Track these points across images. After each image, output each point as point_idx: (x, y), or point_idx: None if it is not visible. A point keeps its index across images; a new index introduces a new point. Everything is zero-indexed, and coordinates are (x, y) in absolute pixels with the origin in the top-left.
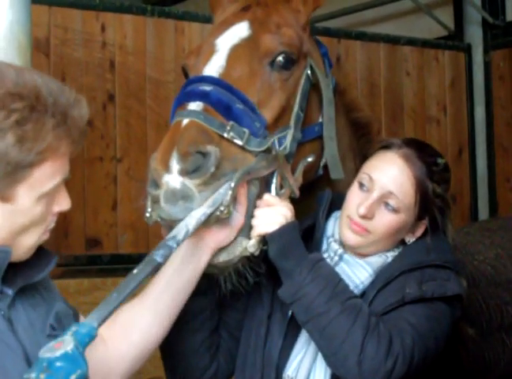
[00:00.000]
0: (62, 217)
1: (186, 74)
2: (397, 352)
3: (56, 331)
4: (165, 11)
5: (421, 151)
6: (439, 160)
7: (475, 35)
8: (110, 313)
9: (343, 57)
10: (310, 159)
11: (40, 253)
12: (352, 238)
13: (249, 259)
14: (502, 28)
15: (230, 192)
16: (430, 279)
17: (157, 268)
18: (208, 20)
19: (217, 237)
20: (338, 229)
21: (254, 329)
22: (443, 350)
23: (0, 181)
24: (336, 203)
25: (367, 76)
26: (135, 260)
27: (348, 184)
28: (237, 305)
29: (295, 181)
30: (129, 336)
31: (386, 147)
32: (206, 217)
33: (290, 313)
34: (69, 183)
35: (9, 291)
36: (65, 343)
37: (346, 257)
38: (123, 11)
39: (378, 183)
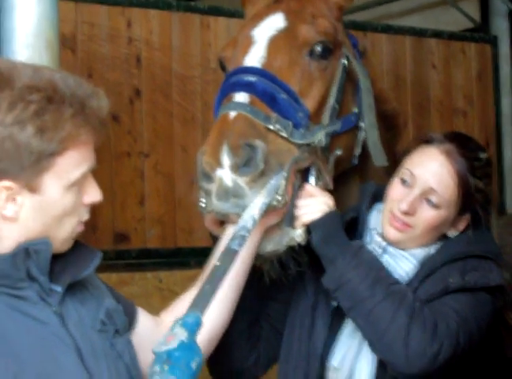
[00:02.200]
0: (91, 212)
1: (222, 67)
2: (443, 335)
3: (107, 326)
4: (191, 6)
5: (463, 147)
6: (481, 155)
7: (501, 27)
8: (209, 304)
9: (369, 50)
10: (339, 153)
11: (84, 250)
12: (392, 234)
13: (292, 249)
14: None
15: (283, 181)
16: (472, 270)
17: (236, 256)
18: (233, 14)
19: (265, 218)
20: (380, 222)
21: (298, 320)
22: (486, 339)
23: (26, 171)
24: (379, 195)
25: (393, 69)
26: (163, 254)
27: (380, 176)
28: (280, 297)
29: (329, 173)
30: None
31: (428, 141)
32: (266, 206)
33: (334, 303)
34: (96, 178)
35: (58, 288)
36: (178, 335)
37: (390, 249)
38: (149, 6)
39: (420, 179)
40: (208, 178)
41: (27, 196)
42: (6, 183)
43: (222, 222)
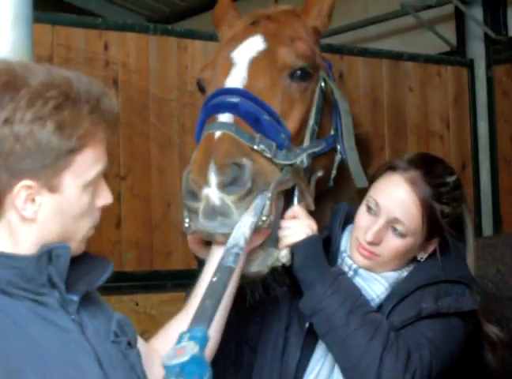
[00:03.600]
0: None
1: (201, 89)
2: (415, 366)
3: (119, 337)
4: (168, 29)
5: (428, 173)
6: (448, 179)
7: (477, 50)
8: (213, 318)
9: (345, 73)
10: (320, 174)
11: (96, 260)
12: (360, 260)
13: (275, 270)
14: (505, 43)
15: (268, 202)
16: (446, 295)
17: (232, 272)
18: (211, 37)
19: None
20: (350, 246)
21: (271, 341)
22: (466, 358)
23: (46, 169)
24: (351, 216)
25: (370, 92)
26: (139, 277)
27: (352, 198)
28: (258, 319)
29: (311, 194)
30: None
31: (392, 168)
32: (255, 225)
33: (307, 324)
34: None
35: (75, 297)
36: (189, 348)
37: (361, 271)
38: (126, 29)
39: (384, 209)
40: (195, 196)
41: (46, 196)
42: (27, 182)
43: (206, 242)
